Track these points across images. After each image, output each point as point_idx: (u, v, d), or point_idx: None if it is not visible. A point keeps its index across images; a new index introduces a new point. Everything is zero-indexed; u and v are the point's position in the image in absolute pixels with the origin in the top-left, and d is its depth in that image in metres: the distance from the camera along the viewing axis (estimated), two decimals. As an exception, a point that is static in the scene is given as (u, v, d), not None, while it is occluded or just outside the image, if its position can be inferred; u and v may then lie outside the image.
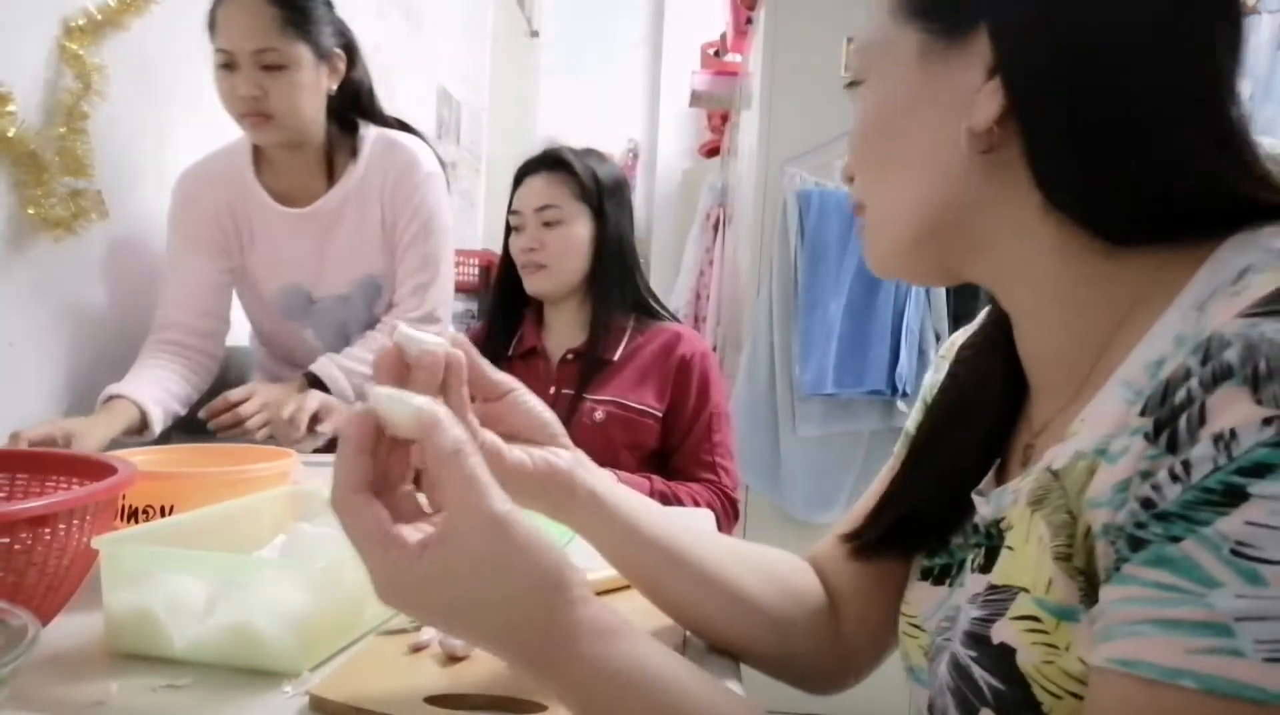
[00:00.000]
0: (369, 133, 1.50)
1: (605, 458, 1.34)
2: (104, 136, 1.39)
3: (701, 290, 3.19)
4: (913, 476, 0.63)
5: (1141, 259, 0.47)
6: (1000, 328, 0.59)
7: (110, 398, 1.30)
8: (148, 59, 1.48)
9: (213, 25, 1.35)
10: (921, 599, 0.60)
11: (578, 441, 1.40)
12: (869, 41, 0.55)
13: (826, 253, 2.24)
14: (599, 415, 1.37)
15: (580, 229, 1.41)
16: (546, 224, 1.39)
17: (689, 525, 0.67)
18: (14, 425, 1.24)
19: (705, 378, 1.42)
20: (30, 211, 1.25)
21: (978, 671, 0.47)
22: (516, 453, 0.58)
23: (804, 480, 2.27)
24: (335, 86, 1.45)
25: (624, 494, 0.64)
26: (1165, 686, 0.35)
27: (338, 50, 1.45)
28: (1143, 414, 0.40)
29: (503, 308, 1.51)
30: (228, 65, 1.34)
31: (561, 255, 1.40)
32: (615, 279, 1.44)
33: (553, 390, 1.41)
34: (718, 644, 0.68)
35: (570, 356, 1.43)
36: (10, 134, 1.21)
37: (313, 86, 1.40)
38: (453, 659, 0.64)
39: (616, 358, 1.41)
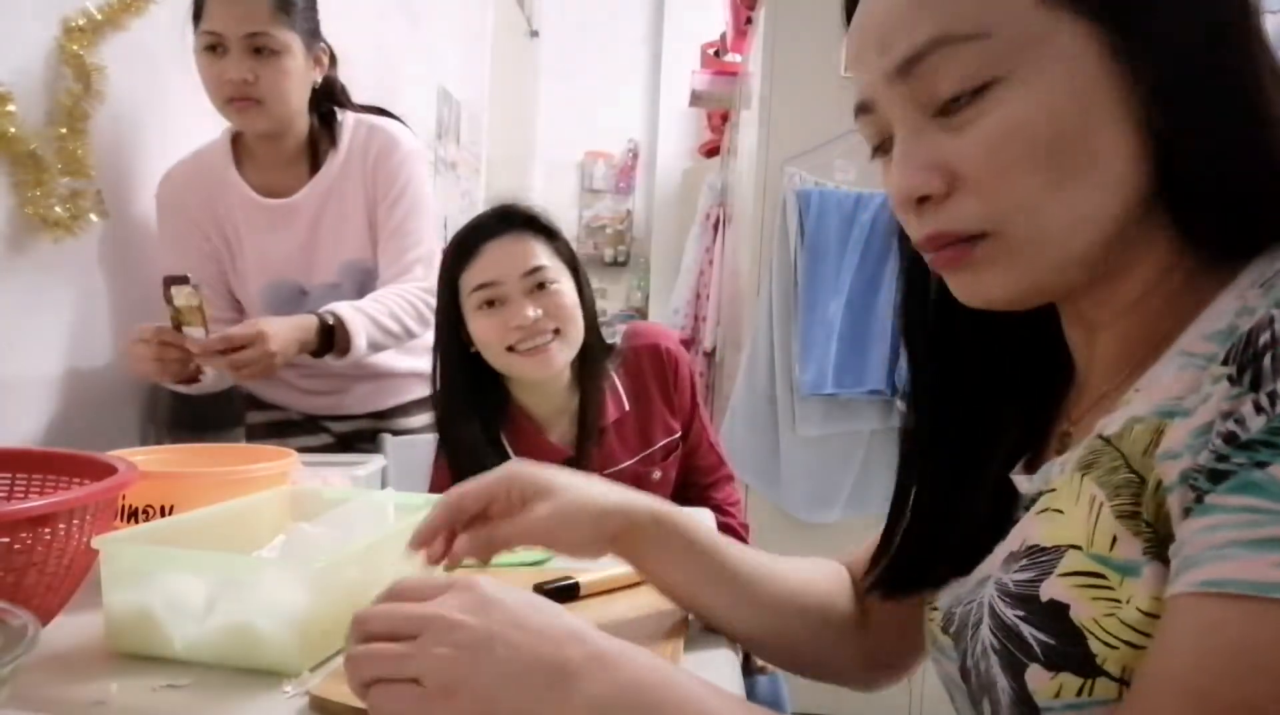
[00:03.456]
0: (347, 119, 1.51)
1: (678, 500, 1.23)
2: (104, 137, 1.38)
3: (701, 290, 3.19)
4: (948, 525, 0.61)
5: (1220, 264, 0.48)
6: (1015, 329, 0.59)
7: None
8: (148, 59, 1.48)
9: (200, 8, 1.34)
10: (946, 590, 0.60)
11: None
12: (1001, 32, 0.46)
13: (826, 252, 2.24)
14: (657, 475, 1.30)
15: (569, 287, 1.22)
16: (538, 287, 1.18)
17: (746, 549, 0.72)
18: (13, 428, 1.24)
19: (684, 374, 1.36)
20: (29, 212, 1.25)
21: (1026, 630, 0.47)
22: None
23: (804, 480, 2.26)
24: (319, 79, 1.46)
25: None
26: (1255, 600, 0.36)
27: (322, 45, 1.46)
28: (1224, 363, 0.41)
29: (475, 416, 1.23)
30: (214, 48, 1.34)
31: (570, 320, 1.21)
32: (597, 338, 1.28)
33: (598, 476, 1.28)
34: (753, 650, 0.74)
35: (588, 438, 1.27)
36: (10, 134, 1.21)
37: (300, 75, 1.40)
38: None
39: (628, 407, 1.30)
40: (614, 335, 1.36)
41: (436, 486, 1.31)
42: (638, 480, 1.27)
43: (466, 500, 0.68)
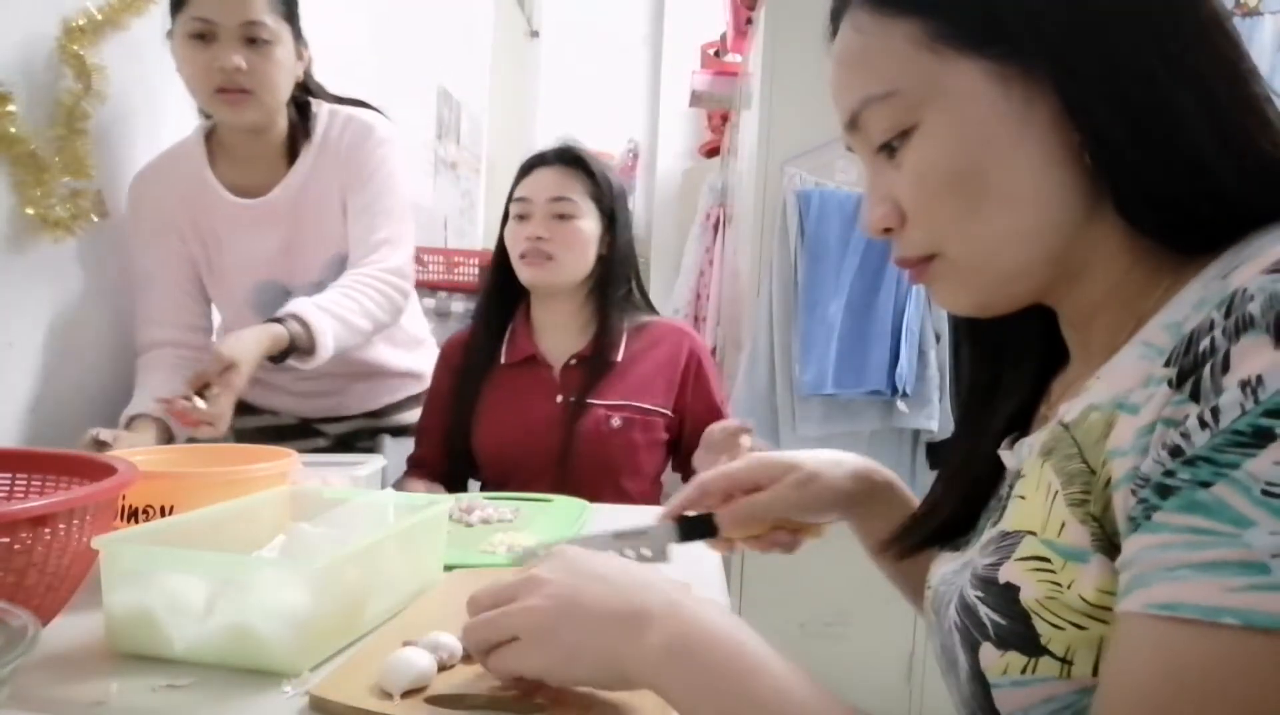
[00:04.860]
0: (321, 111, 1.46)
1: (627, 460, 1.37)
2: (104, 136, 1.38)
3: (701, 290, 3.19)
4: (955, 481, 0.65)
5: (1198, 254, 0.49)
6: (1017, 317, 0.60)
7: (132, 419, 1.28)
8: (148, 58, 1.48)
9: None
10: (939, 564, 0.62)
11: (595, 447, 1.41)
12: (905, 87, 0.52)
13: (826, 253, 2.23)
14: (616, 421, 1.37)
15: (589, 225, 1.40)
16: (558, 216, 1.39)
17: None
18: (14, 427, 1.24)
19: (709, 371, 1.46)
20: (29, 212, 1.25)
21: (983, 610, 0.50)
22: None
23: (804, 480, 2.26)
24: (301, 74, 1.42)
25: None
26: (1206, 625, 0.37)
27: (304, 39, 1.41)
28: (1167, 365, 0.42)
29: (495, 305, 1.48)
30: (204, 36, 1.28)
31: (569, 248, 1.39)
32: (621, 284, 1.44)
33: (560, 398, 1.40)
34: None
35: (574, 362, 1.42)
36: (11, 134, 1.21)
37: (290, 67, 1.37)
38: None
39: (619, 359, 1.41)
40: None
41: (434, 388, 1.49)
42: (597, 421, 1.37)
43: (714, 483, 0.76)
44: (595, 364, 1.40)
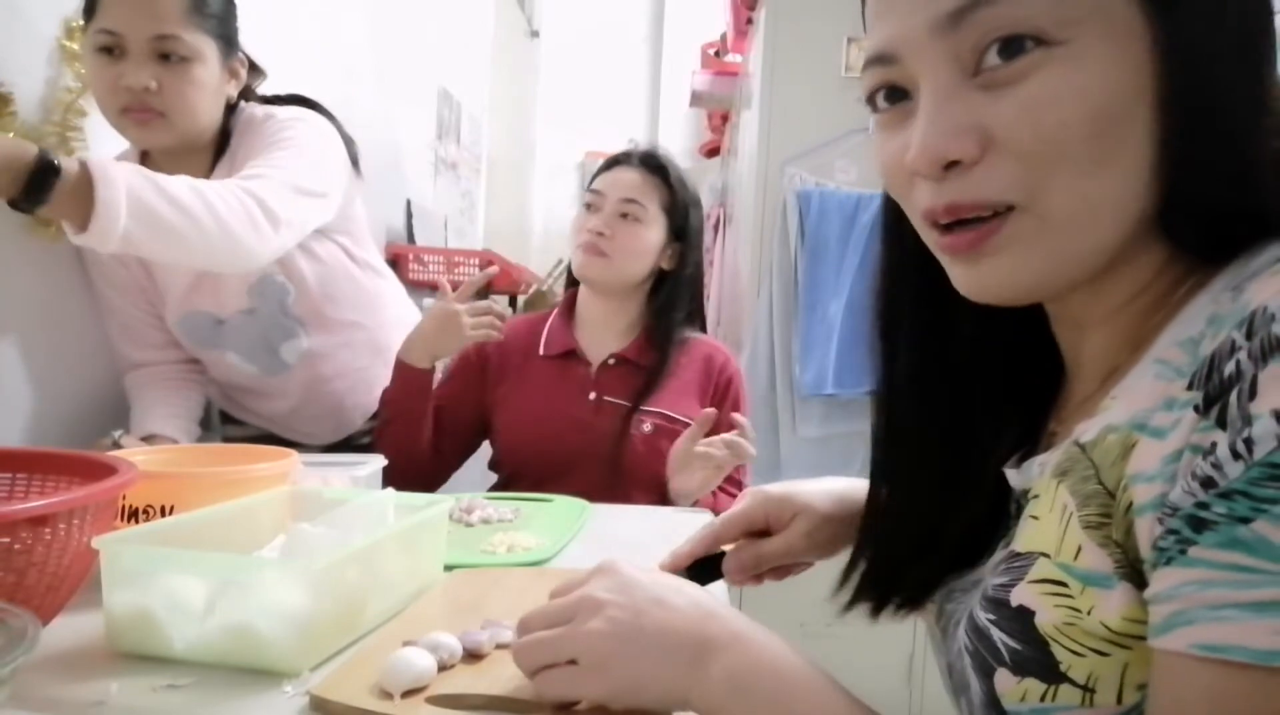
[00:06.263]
0: (241, 118, 1.32)
1: (649, 469, 1.35)
2: (102, 136, 1.38)
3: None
4: (955, 513, 0.61)
5: (1203, 266, 0.47)
6: (1002, 329, 0.58)
7: (146, 438, 1.27)
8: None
9: (93, 2, 1.17)
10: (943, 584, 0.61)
11: (626, 452, 1.42)
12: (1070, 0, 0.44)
13: (827, 253, 2.24)
14: (647, 427, 1.37)
15: (653, 234, 1.41)
16: (624, 216, 1.40)
17: None
18: (12, 428, 1.24)
19: (739, 396, 1.46)
20: (30, 211, 1.25)
21: (996, 634, 0.48)
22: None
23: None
24: (234, 94, 1.29)
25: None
26: (1261, 669, 0.35)
27: (240, 55, 1.29)
28: (1190, 388, 0.40)
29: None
30: (111, 49, 1.16)
31: (626, 250, 1.40)
32: (684, 306, 1.45)
33: (594, 396, 1.40)
34: None
35: (612, 361, 1.42)
36: (10, 134, 1.21)
37: (213, 88, 1.23)
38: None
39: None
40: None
41: (455, 361, 1.49)
42: (626, 423, 1.36)
43: (726, 529, 0.76)
44: (641, 370, 1.40)
